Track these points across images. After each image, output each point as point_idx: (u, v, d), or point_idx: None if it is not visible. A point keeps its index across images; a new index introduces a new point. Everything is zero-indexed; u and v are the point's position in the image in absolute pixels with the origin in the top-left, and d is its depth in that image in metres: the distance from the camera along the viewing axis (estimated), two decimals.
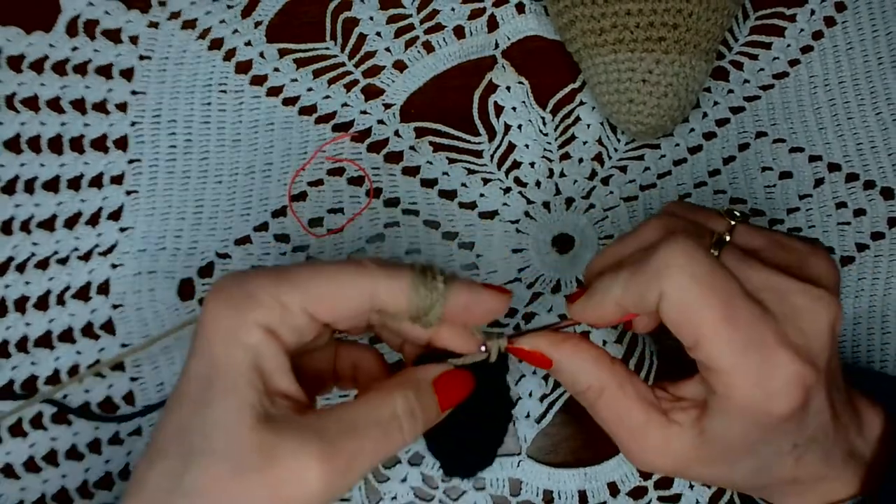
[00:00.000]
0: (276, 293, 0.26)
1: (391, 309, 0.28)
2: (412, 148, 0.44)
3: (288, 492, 0.24)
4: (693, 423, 0.29)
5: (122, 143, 0.43)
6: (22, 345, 0.41)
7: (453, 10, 0.45)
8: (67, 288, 0.42)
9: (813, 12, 0.46)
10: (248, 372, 0.25)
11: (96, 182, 0.43)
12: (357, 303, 0.27)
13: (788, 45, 0.46)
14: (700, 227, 0.31)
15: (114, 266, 0.42)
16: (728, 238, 0.30)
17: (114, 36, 0.44)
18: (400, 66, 0.45)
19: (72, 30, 0.43)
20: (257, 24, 0.44)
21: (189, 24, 0.44)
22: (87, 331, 0.41)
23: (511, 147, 0.44)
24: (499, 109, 0.44)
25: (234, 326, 0.26)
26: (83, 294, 0.42)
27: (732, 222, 0.30)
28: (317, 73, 0.44)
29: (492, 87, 0.44)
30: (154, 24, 0.44)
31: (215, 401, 0.25)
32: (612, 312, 0.30)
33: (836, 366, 0.30)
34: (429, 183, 0.44)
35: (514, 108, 0.44)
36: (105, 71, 0.43)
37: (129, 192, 0.43)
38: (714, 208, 0.33)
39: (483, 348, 0.30)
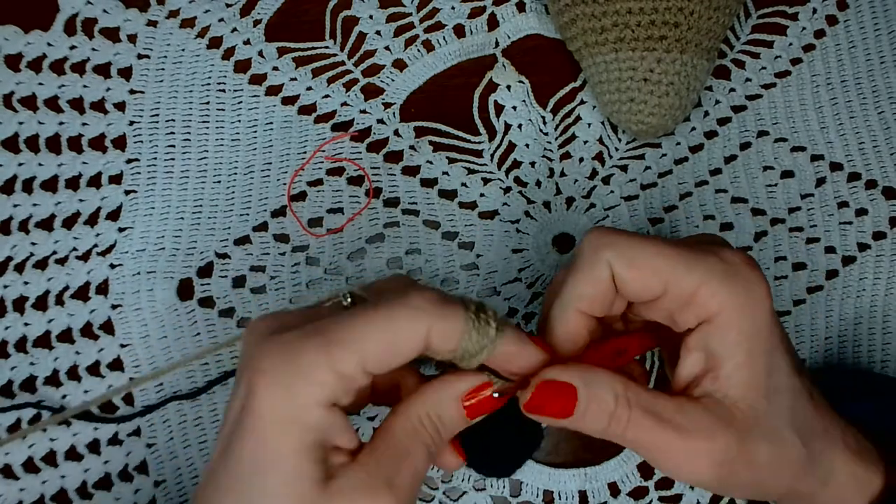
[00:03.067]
0: (331, 364, 0.25)
1: (439, 353, 0.27)
2: (412, 147, 0.44)
3: None
4: (712, 383, 0.28)
5: (120, 143, 0.43)
6: (21, 345, 0.41)
7: (453, 8, 0.45)
8: (66, 288, 0.42)
9: (815, 11, 0.46)
10: (309, 451, 0.25)
11: (95, 182, 0.42)
12: (413, 350, 0.26)
13: (790, 44, 0.45)
14: None
15: (112, 266, 0.42)
16: None
17: (112, 35, 0.43)
18: (400, 64, 0.44)
19: (70, 29, 0.43)
20: (256, 22, 0.44)
21: (188, 23, 0.44)
22: (86, 331, 0.41)
23: (511, 146, 0.44)
24: (499, 108, 0.44)
25: (293, 413, 0.25)
26: (82, 294, 0.42)
27: None
28: (316, 72, 0.44)
29: (492, 86, 0.44)
30: (152, 23, 0.44)
31: (277, 488, 0.25)
32: (574, 322, 0.29)
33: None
34: (429, 183, 0.43)
35: (514, 108, 0.44)
36: (103, 70, 0.43)
37: (127, 192, 0.43)
38: None
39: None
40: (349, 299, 0.29)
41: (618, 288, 0.28)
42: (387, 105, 0.44)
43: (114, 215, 0.42)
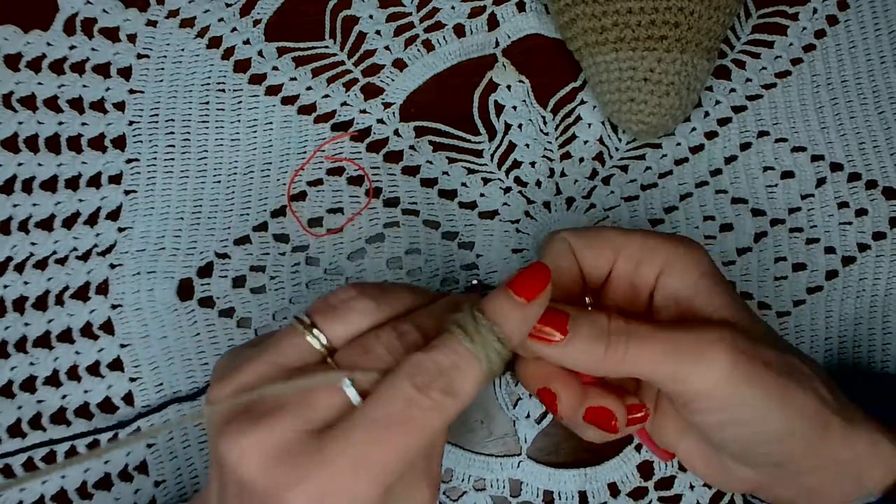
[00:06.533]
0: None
1: (475, 391, 0.26)
2: (412, 147, 0.44)
3: None
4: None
5: (120, 143, 0.43)
6: (21, 345, 0.41)
7: (453, 8, 0.45)
8: (66, 288, 0.41)
9: (815, 11, 0.46)
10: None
11: (94, 182, 0.42)
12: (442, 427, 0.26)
13: (791, 44, 0.45)
14: None
15: (112, 266, 0.42)
16: None
17: (112, 34, 0.43)
18: (400, 64, 0.44)
19: (69, 28, 0.43)
20: (256, 22, 0.44)
21: (187, 23, 0.44)
22: (86, 331, 0.41)
23: (511, 146, 0.44)
24: (499, 108, 0.44)
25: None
26: (82, 294, 0.42)
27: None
28: (316, 72, 0.44)
29: (492, 86, 0.44)
30: (152, 23, 0.44)
31: None
32: (564, 259, 0.31)
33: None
34: (429, 182, 0.43)
35: (514, 107, 0.44)
36: (103, 70, 0.43)
37: (127, 192, 0.42)
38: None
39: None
40: (349, 386, 0.26)
41: (577, 259, 0.31)
42: (387, 105, 0.44)
43: (113, 215, 0.42)
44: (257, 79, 0.44)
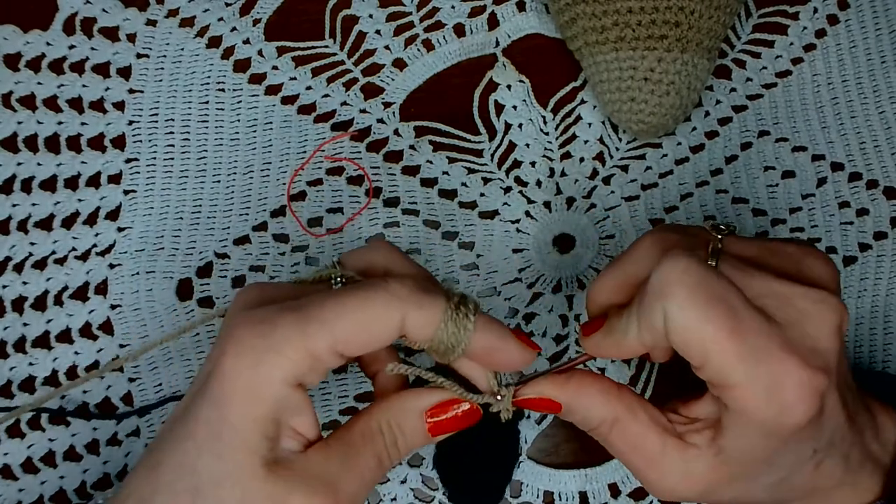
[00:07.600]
0: (303, 342, 0.25)
1: (416, 341, 0.27)
2: (412, 147, 0.43)
3: None
4: (709, 443, 0.28)
5: (119, 142, 0.43)
6: (20, 345, 0.41)
7: (453, 7, 0.45)
8: (65, 288, 0.41)
9: (816, 10, 0.45)
10: (264, 425, 0.25)
11: (94, 181, 0.42)
12: (386, 336, 0.26)
13: (791, 44, 0.45)
14: (693, 240, 0.29)
15: (112, 266, 0.42)
16: (721, 247, 0.29)
17: (111, 34, 0.43)
18: (399, 64, 0.44)
19: (69, 28, 0.43)
20: (256, 21, 0.44)
21: (187, 22, 0.44)
22: (85, 331, 0.41)
23: (511, 146, 0.44)
24: (499, 108, 0.44)
25: (255, 383, 0.25)
26: (81, 294, 0.41)
27: (720, 236, 0.29)
28: (316, 72, 0.44)
29: (492, 86, 0.44)
30: (152, 22, 0.44)
31: (226, 454, 0.25)
32: (633, 351, 0.29)
33: (845, 368, 0.29)
34: (429, 182, 0.43)
35: (514, 107, 0.44)
36: (102, 69, 0.43)
37: (126, 192, 0.42)
38: (698, 225, 0.31)
39: (498, 396, 0.29)
40: (340, 280, 0.29)
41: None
42: (387, 104, 0.44)
43: (113, 215, 0.42)
44: (257, 78, 0.44)
